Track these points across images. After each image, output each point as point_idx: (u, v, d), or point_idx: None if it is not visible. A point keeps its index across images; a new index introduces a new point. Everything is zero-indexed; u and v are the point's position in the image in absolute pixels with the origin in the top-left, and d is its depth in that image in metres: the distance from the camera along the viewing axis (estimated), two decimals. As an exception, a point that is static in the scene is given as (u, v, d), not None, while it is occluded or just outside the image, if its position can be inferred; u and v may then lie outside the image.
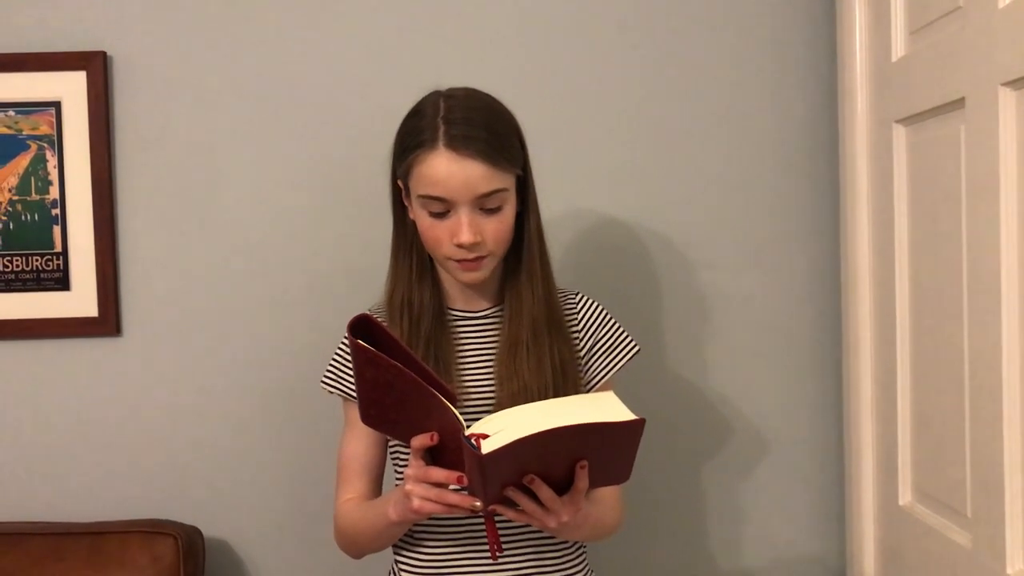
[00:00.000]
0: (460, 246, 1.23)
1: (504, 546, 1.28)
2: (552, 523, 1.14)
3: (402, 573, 1.36)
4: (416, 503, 1.14)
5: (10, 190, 1.75)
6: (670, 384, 1.80)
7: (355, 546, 1.36)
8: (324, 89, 1.77)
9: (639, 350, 1.40)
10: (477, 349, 1.34)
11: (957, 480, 1.34)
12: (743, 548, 1.82)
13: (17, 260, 1.75)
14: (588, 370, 1.37)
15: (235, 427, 1.78)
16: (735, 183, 1.80)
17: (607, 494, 1.32)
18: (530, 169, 1.31)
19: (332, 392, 1.37)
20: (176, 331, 1.78)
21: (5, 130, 1.74)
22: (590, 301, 1.40)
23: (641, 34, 1.78)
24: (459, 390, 1.28)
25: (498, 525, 1.24)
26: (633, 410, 1.11)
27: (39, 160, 1.75)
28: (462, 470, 1.11)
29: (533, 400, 1.23)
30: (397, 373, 1.11)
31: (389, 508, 1.22)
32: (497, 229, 1.25)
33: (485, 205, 1.24)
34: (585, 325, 1.38)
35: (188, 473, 1.78)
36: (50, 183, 1.75)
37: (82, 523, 1.69)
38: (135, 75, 1.76)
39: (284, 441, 1.78)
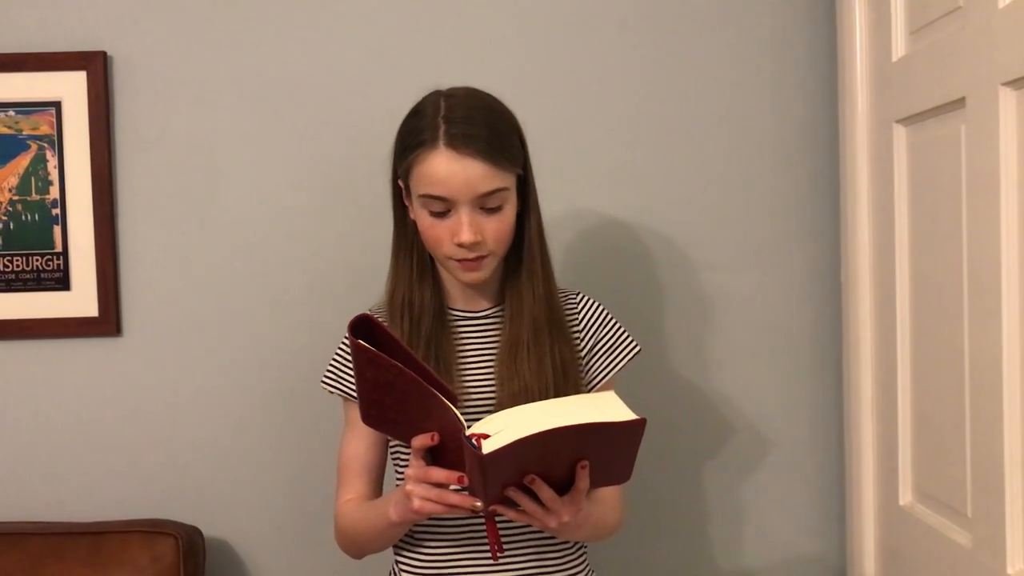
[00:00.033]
0: (461, 245, 1.23)
1: (505, 546, 1.28)
2: (553, 523, 1.14)
3: (402, 573, 1.36)
4: (417, 503, 1.14)
5: (10, 190, 1.75)
6: (670, 384, 1.80)
7: (356, 546, 1.36)
8: (324, 89, 1.77)
9: (640, 350, 1.40)
10: (478, 349, 1.34)
11: (957, 480, 1.34)
12: (743, 548, 1.82)
13: (17, 260, 1.75)
14: (589, 370, 1.37)
15: (235, 427, 1.78)
16: (735, 183, 1.80)
17: (608, 494, 1.32)
18: (531, 169, 1.31)
19: (332, 392, 1.37)
20: (176, 331, 1.78)
21: (5, 130, 1.74)
22: (591, 301, 1.40)
23: (641, 34, 1.78)
24: (460, 390, 1.28)
25: (499, 525, 1.24)
26: (634, 410, 1.11)
27: (39, 160, 1.75)
28: (463, 470, 1.11)
29: (534, 400, 1.23)
30: (398, 373, 1.10)
31: (390, 508, 1.22)
32: (498, 228, 1.25)
33: (486, 204, 1.24)
34: (586, 325, 1.38)
35: (188, 473, 1.78)
36: (50, 183, 1.75)
37: (82, 523, 1.69)
38: (135, 75, 1.76)
39: (284, 441, 1.78)
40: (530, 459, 1.08)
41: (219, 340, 1.78)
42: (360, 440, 1.36)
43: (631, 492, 1.38)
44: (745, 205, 1.80)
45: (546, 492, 1.12)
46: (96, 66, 1.73)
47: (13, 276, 1.75)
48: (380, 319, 1.21)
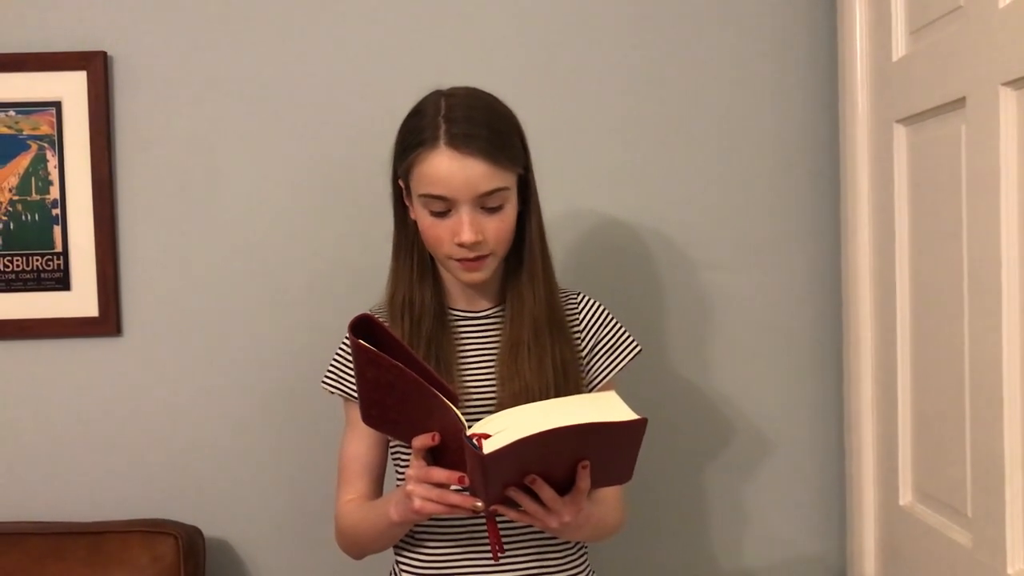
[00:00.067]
0: (461, 245, 1.23)
1: (506, 547, 1.28)
2: (554, 523, 1.14)
3: (403, 574, 1.36)
4: (417, 503, 1.14)
5: (10, 190, 1.75)
6: (671, 384, 1.80)
7: (356, 547, 1.36)
8: (324, 89, 1.77)
9: (641, 350, 1.40)
10: (478, 349, 1.34)
11: (957, 480, 1.34)
12: (744, 548, 1.82)
13: (17, 260, 1.75)
14: (590, 370, 1.37)
15: (235, 427, 1.78)
16: (735, 183, 1.80)
17: (609, 494, 1.32)
18: (531, 168, 1.31)
19: (333, 392, 1.37)
20: (176, 331, 1.78)
21: (5, 130, 1.74)
22: (592, 301, 1.40)
23: (641, 34, 1.78)
24: (460, 390, 1.28)
25: (500, 526, 1.24)
26: (635, 410, 1.11)
27: (39, 160, 1.75)
28: (463, 470, 1.11)
29: (535, 400, 1.22)
30: (398, 373, 1.10)
31: (390, 508, 1.22)
32: (498, 228, 1.25)
33: (486, 204, 1.24)
34: (587, 325, 1.38)
35: (188, 473, 1.78)
36: (50, 183, 1.75)
37: (82, 523, 1.69)
38: (135, 75, 1.76)
39: (284, 441, 1.78)
40: (531, 459, 1.08)
41: (219, 340, 1.78)
42: (361, 440, 1.35)
43: (632, 492, 1.38)
44: (745, 205, 1.80)
45: (547, 492, 1.12)
46: (96, 66, 1.73)
47: (13, 276, 1.75)
48: (380, 319, 1.21)
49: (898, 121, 1.50)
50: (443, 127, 1.21)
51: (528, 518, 1.14)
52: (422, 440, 1.14)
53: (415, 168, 1.24)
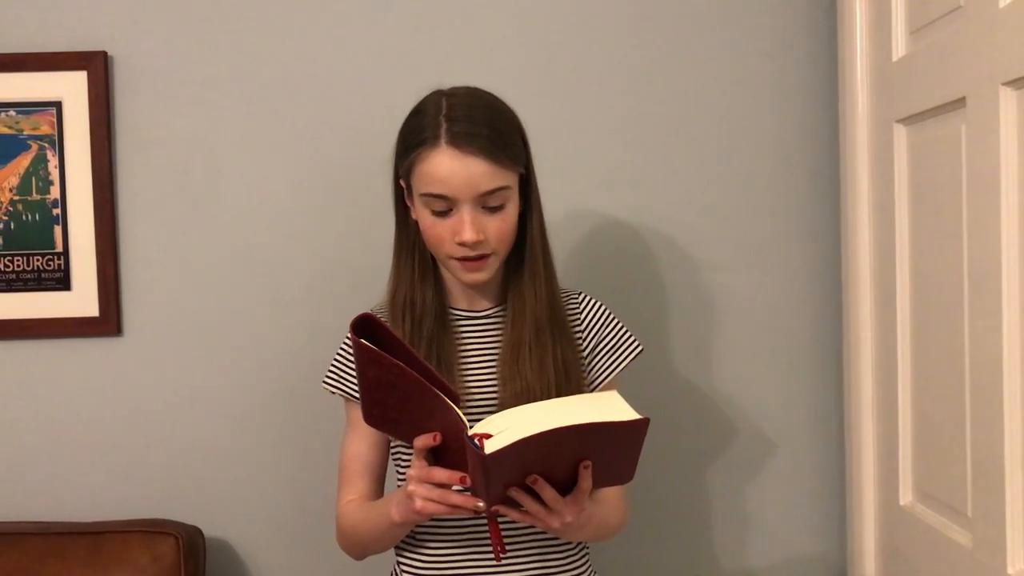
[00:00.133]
0: (462, 244, 1.23)
1: (507, 547, 1.28)
2: (555, 523, 1.14)
3: (404, 574, 1.36)
4: (419, 504, 1.14)
5: (11, 190, 1.74)
6: (671, 384, 1.80)
7: (357, 547, 1.36)
8: (324, 89, 1.77)
9: (642, 350, 1.40)
10: (480, 349, 1.34)
11: (957, 480, 1.34)
12: (744, 548, 1.82)
13: (18, 260, 1.75)
14: (591, 370, 1.37)
15: (235, 427, 1.78)
16: (735, 183, 1.80)
17: (610, 494, 1.32)
18: (533, 168, 1.31)
19: (334, 392, 1.37)
20: (176, 331, 1.78)
21: (6, 130, 1.74)
22: (593, 301, 1.40)
23: (641, 34, 1.79)
24: (462, 390, 1.28)
25: (501, 526, 1.24)
26: (636, 410, 1.11)
27: (40, 160, 1.75)
28: (465, 470, 1.11)
29: (536, 400, 1.22)
30: (400, 373, 1.10)
31: (392, 509, 1.22)
32: (500, 227, 1.25)
33: (487, 203, 1.24)
34: (588, 325, 1.38)
35: (188, 473, 1.78)
36: (51, 183, 1.75)
37: (82, 523, 1.69)
38: (135, 75, 1.76)
39: (284, 441, 1.78)
40: (533, 459, 1.08)
41: (219, 340, 1.78)
42: (362, 440, 1.35)
43: (634, 492, 1.38)
44: (745, 205, 1.80)
45: (549, 492, 1.12)
46: (96, 66, 1.73)
47: (14, 276, 1.75)
48: (382, 319, 1.21)
49: (898, 121, 1.50)
50: (444, 126, 1.21)
51: (530, 518, 1.14)
52: (423, 440, 1.14)
53: (416, 167, 1.24)
